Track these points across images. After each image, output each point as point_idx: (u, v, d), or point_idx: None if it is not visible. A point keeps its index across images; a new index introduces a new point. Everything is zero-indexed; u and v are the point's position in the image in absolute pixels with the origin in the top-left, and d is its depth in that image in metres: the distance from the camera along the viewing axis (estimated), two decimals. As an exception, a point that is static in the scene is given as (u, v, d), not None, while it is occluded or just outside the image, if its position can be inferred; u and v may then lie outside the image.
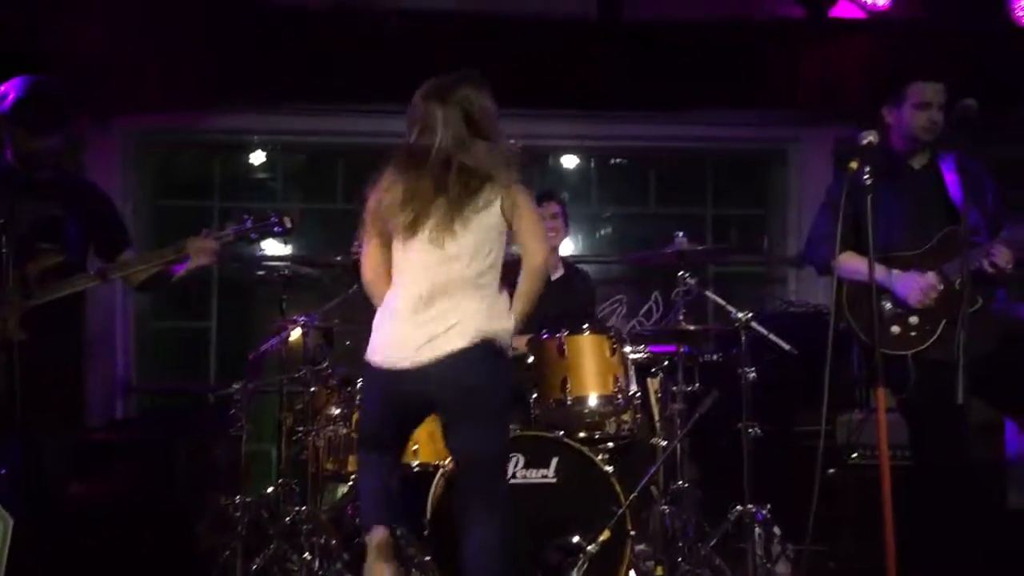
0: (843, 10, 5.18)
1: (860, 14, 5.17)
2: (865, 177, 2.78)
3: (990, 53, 5.11)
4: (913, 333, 3.18)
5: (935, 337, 3.14)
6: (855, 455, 4.22)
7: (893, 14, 5.18)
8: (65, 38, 4.87)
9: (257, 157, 5.92)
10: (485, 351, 2.63)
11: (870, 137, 2.83)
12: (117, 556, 3.62)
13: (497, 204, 2.70)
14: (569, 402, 3.59)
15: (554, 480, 3.43)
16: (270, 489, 4.11)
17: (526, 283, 2.76)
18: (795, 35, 5.33)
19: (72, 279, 3.20)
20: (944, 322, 3.12)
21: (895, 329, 3.21)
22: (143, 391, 5.51)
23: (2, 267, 2.90)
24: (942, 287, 3.16)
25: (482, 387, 2.64)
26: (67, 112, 3.25)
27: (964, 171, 3.23)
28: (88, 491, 3.86)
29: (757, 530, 3.77)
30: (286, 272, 4.19)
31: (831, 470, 4.08)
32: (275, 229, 3.34)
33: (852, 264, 3.22)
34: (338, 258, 4.10)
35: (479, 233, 2.68)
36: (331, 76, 5.15)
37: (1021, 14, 4.66)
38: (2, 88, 3.17)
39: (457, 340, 2.62)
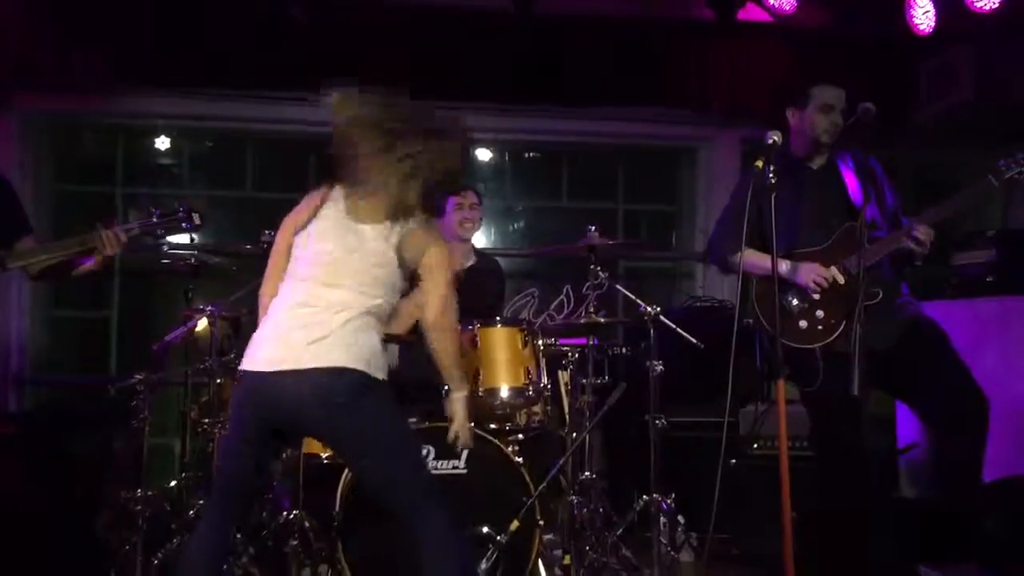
0: (751, 13, 5.32)
1: (767, 18, 5.31)
2: (770, 176, 2.87)
3: (889, 59, 5.33)
4: (819, 327, 3.30)
5: (839, 331, 3.26)
6: (756, 445, 4.36)
7: (799, 19, 5.34)
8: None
9: (162, 142, 5.76)
10: None
11: (775, 137, 2.92)
12: (13, 553, 3.48)
13: None
14: (480, 393, 3.59)
15: (465, 471, 3.43)
16: (173, 483, 4.02)
17: None
18: (705, 36, 5.45)
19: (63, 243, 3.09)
20: (848, 316, 3.22)
21: (802, 324, 3.32)
22: (39, 383, 5.30)
23: None
24: (843, 280, 3.27)
25: None
26: None
27: (860, 169, 3.38)
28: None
29: (662, 519, 3.86)
30: (192, 260, 4.09)
31: (733, 460, 4.19)
32: (183, 224, 3.22)
33: (753, 259, 3.31)
34: (247, 246, 4.02)
35: None
36: (237, 61, 5.05)
37: (918, 22, 4.85)
38: None
39: None
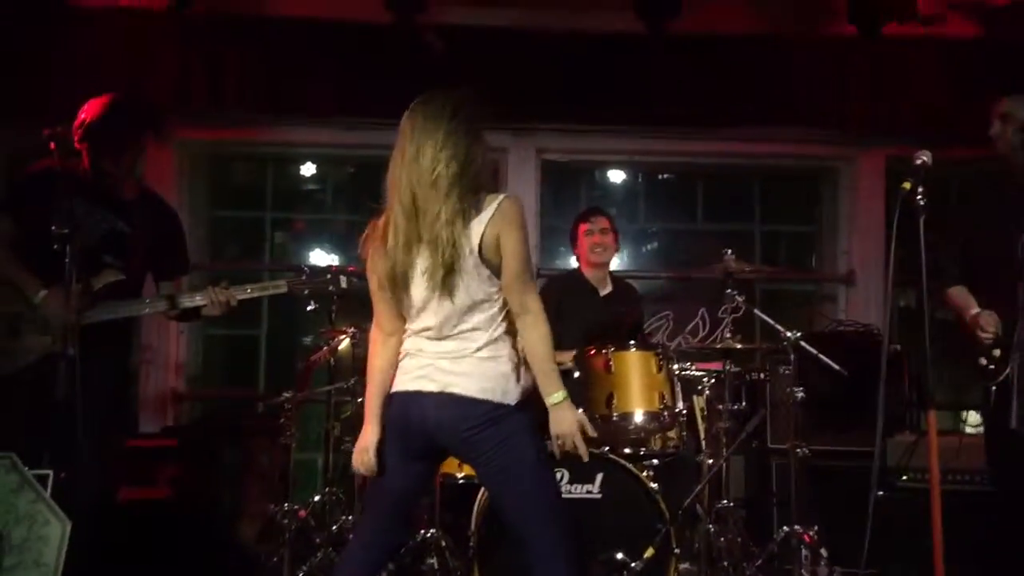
0: (896, 27, 5.13)
1: (915, 31, 5.11)
2: (919, 198, 2.75)
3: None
4: (992, 366, 3.20)
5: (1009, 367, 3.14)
6: (905, 478, 4.16)
7: (949, 31, 5.12)
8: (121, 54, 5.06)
9: (307, 169, 6.01)
10: None
11: (924, 157, 2.80)
12: (168, 560, 3.68)
13: None
14: (615, 418, 3.58)
15: (599, 496, 3.42)
16: (317, 498, 4.16)
17: None
18: (846, 51, 5.29)
19: (138, 302, 3.30)
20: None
21: (982, 361, 3.23)
22: (194, 399, 5.60)
23: (67, 277, 2.97)
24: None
25: None
26: (136, 134, 3.34)
27: None
28: (139, 495, 3.93)
29: (804, 552, 3.74)
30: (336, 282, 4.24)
31: (881, 492, 4.02)
32: (329, 287, 3.39)
33: (955, 300, 3.29)
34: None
35: None
36: (377, 91, 5.22)
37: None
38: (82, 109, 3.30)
39: None
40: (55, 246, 2.93)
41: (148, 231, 3.33)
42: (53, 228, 2.93)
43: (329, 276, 3.35)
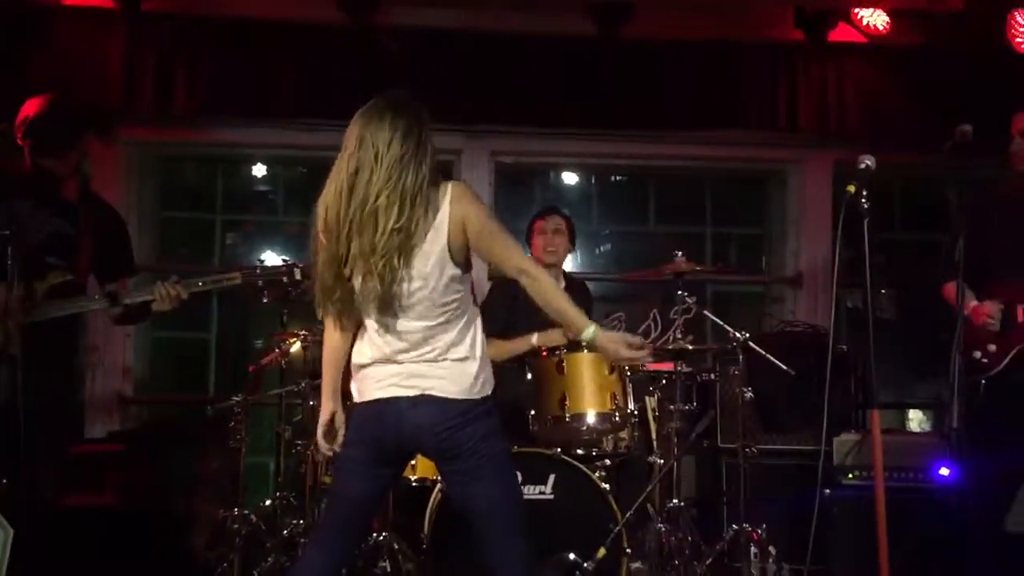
0: (842, 34, 5.24)
1: (859, 38, 5.23)
2: (863, 202, 2.81)
3: (987, 76, 5.16)
4: (984, 359, 3.33)
5: (1003, 363, 3.28)
6: (851, 476, 4.25)
7: (891, 38, 5.23)
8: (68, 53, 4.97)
9: (259, 170, 5.96)
10: None
11: (868, 162, 2.86)
12: (114, 567, 3.62)
13: None
14: (567, 419, 3.60)
15: (551, 497, 3.44)
16: (268, 502, 4.13)
17: None
18: (794, 57, 5.38)
19: (80, 300, 3.22)
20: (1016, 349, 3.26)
21: (976, 354, 3.34)
22: (141, 403, 5.51)
23: (9, 278, 2.91)
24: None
25: None
26: (79, 133, 3.29)
27: None
28: (85, 502, 3.86)
29: (753, 549, 3.79)
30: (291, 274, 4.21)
31: (827, 491, 4.10)
32: (284, 279, 3.30)
33: (949, 293, 3.38)
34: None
35: None
36: (330, 91, 5.19)
37: (1020, 40, 4.70)
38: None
39: None
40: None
41: (92, 232, 3.28)
42: None
43: (284, 268, 3.31)
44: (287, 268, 3.30)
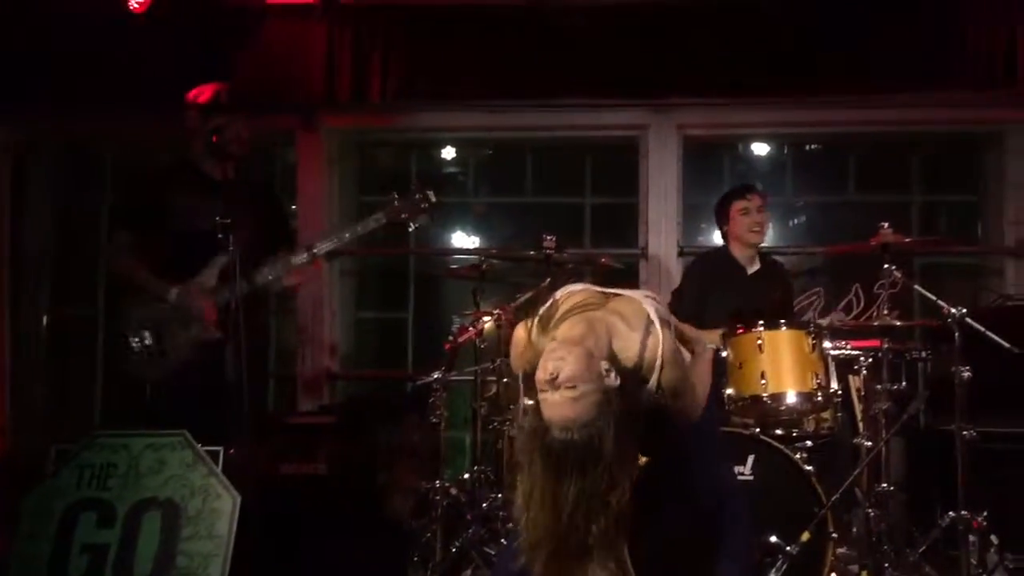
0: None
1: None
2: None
3: None
4: None
5: None
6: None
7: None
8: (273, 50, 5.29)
9: (448, 153, 6.11)
10: None
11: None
12: (325, 534, 3.83)
13: None
14: (766, 398, 3.50)
15: (751, 478, 3.35)
16: (466, 475, 4.25)
17: None
18: (1012, 5, 4.93)
19: (283, 261, 3.50)
20: None
21: None
22: (347, 379, 5.81)
23: (229, 266, 3.15)
24: None
25: None
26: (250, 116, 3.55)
27: None
28: (299, 470, 4.10)
29: (971, 538, 3.55)
30: (479, 265, 4.32)
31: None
32: (422, 206, 3.56)
33: None
34: (530, 252, 4.17)
35: None
36: (516, 71, 5.25)
37: None
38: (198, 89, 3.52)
39: None
40: (219, 235, 3.11)
41: (249, 210, 3.45)
42: (217, 219, 3.11)
43: (418, 196, 3.55)
44: (422, 195, 3.55)
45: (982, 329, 3.69)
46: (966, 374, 3.61)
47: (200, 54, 5.07)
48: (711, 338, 3.84)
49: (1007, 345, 3.69)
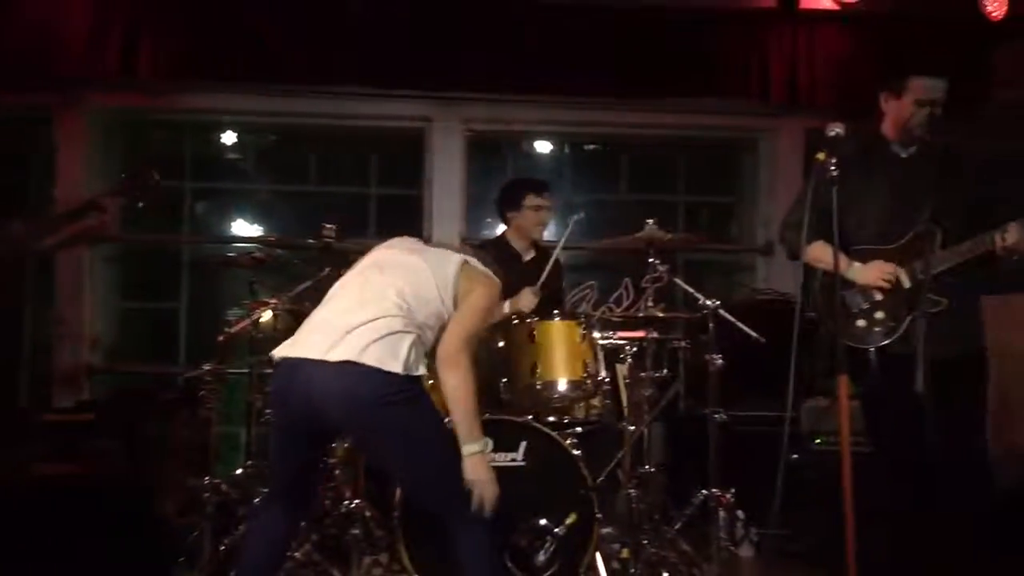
0: (814, 1, 5.24)
1: (831, 5, 5.23)
2: (832, 169, 2.82)
3: (958, 45, 5.17)
4: (877, 329, 3.22)
5: (897, 334, 3.18)
6: (818, 441, 4.30)
7: (864, 7, 5.23)
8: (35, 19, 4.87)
9: (228, 138, 5.88)
10: None
11: (838, 129, 2.86)
12: (86, 535, 3.60)
13: None
14: (538, 387, 3.61)
15: (523, 463, 3.45)
16: (239, 471, 4.12)
17: None
18: (767, 24, 5.37)
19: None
20: (908, 319, 3.16)
21: (860, 323, 3.25)
22: (111, 372, 5.46)
23: None
24: (908, 283, 3.19)
25: None
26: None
27: (950, 164, 3.24)
28: (55, 471, 3.83)
29: (722, 514, 3.84)
30: (256, 253, 4.18)
31: (795, 456, 4.15)
32: (147, 184, 3.73)
33: (818, 254, 3.24)
34: (309, 240, 4.09)
35: None
36: (297, 57, 5.12)
37: (990, 8, 4.71)
38: None
39: None
40: None
41: None
42: None
43: (142, 177, 3.75)
44: (144, 170, 3.72)
45: (733, 320, 4.00)
46: (719, 362, 3.90)
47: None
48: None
49: (755, 335, 4.02)
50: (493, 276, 2.90)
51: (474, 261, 2.89)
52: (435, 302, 2.75)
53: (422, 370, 2.66)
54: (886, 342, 3.20)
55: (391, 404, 2.55)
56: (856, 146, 3.21)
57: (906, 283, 3.19)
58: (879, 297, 3.23)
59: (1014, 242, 3.00)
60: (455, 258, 2.84)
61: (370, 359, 2.54)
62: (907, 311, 3.16)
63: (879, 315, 3.23)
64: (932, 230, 3.15)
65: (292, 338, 2.71)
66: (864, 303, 3.25)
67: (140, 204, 3.84)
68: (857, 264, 3.25)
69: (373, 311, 2.64)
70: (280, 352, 2.69)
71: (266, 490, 2.98)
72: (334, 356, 2.55)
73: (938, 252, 3.10)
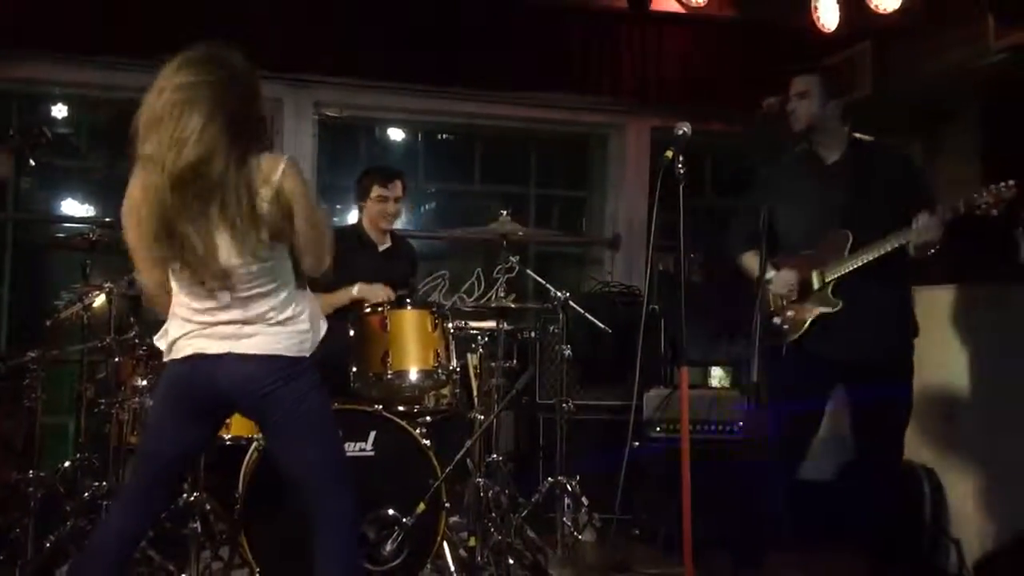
0: (664, 4, 5.42)
1: (679, 9, 5.42)
2: (679, 167, 2.91)
3: (795, 52, 5.45)
4: (785, 327, 3.44)
5: (801, 331, 3.39)
6: (659, 429, 4.46)
7: (709, 11, 5.45)
8: None
9: (59, 110, 5.52)
10: None
11: (684, 128, 2.96)
12: None
13: None
14: (389, 376, 3.58)
15: (372, 453, 3.42)
16: (67, 464, 3.89)
17: None
18: (618, 24, 5.51)
19: None
20: (809, 320, 3.38)
21: (776, 320, 3.46)
22: (-79, 359, 5.04)
23: None
24: (817, 285, 3.37)
25: None
26: None
27: (875, 165, 3.41)
28: None
29: (566, 500, 3.92)
30: (90, 234, 3.95)
31: (636, 443, 4.28)
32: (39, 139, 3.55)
33: (745, 263, 3.53)
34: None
35: None
36: (133, 29, 4.86)
37: (822, 20, 4.98)
38: None
39: None
40: None
41: None
42: None
43: (35, 131, 3.58)
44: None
45: (581, 311, 4.09)
46: (568, 352, 3.98)
47: None
48: (342, 298, 3.91)
49: (602, 326, 4.13)
50: None
51: None
52: None
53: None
54: (793, 338, 3.40)
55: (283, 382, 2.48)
56: (788, 153, 3.47)
57: (815, 285, 3.38)
58: (793, 299, 3.44)
59: (925, 236, 3.16)
60: None
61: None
62: (812, 312, 3.38)
63: (789, 313, 3.44)
64: (843, 234, 3.34)
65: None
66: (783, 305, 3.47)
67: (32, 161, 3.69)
68: (773, 272, 3.45)
69: None
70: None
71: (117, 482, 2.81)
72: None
73: (847, 254, 3.30)
